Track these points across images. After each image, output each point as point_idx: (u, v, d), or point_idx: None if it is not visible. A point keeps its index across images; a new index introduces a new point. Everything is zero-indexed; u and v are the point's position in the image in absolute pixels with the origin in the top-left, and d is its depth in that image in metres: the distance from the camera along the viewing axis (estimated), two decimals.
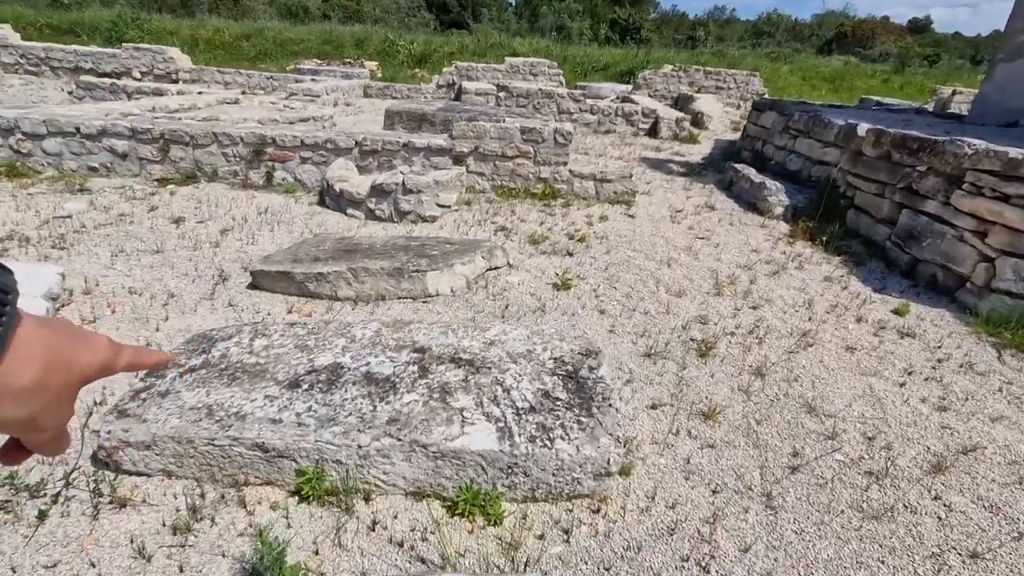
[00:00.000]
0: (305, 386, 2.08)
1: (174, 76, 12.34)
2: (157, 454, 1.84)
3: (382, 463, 1.83)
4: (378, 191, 4.43)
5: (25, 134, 5.07)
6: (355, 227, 4.34)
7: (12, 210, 4.19)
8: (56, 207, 4.28)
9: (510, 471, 1.83)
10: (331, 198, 4.68)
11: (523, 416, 1.97)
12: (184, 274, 3.38)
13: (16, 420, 0.39)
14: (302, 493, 1.82)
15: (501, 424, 1.93)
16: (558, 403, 2.06)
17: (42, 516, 1.72)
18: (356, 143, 5.14)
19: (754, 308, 3.40)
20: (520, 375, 2.21)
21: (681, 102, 13.26)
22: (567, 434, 1.91)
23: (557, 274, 3.62)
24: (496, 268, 3.68)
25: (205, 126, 5.22)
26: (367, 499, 1.84)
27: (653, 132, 10.06)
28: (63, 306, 2.91)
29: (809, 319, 3.32)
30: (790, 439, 2.28)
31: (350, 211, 4.56)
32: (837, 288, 3.78)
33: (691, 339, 3.00)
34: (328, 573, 1.62)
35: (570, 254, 4.05)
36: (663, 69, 14.89)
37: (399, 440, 1.82)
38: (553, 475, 1.84)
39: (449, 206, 4.66)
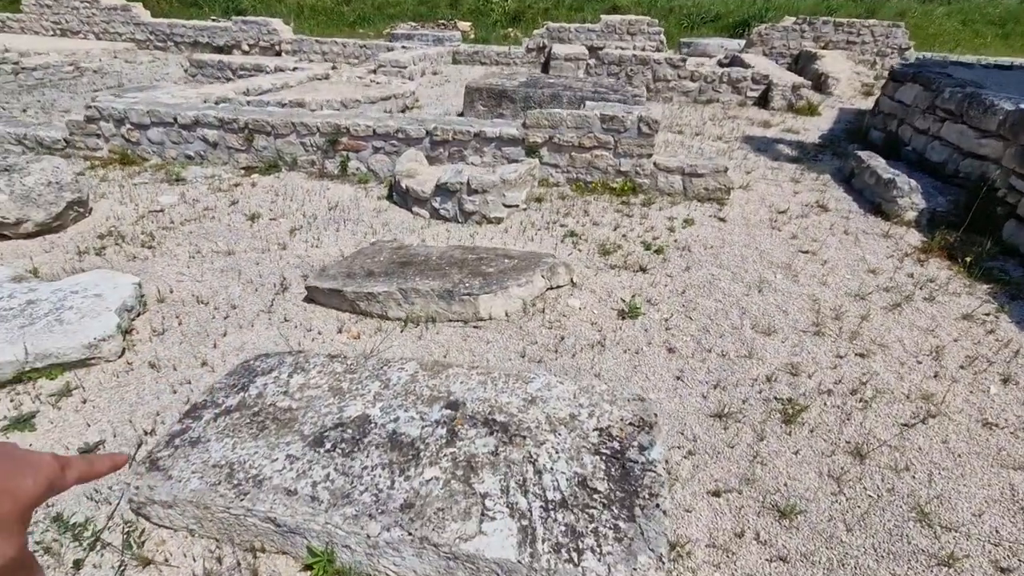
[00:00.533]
0: (328, 445, 1.98)
1: (277, 48, 12.86)
2: (179, 514, 1.83)
3: (392, 555, 1.69)
4: (443, 190, 4.24)
5: (133, 124, 5.43)
6: (419, 228, 4.21)
7: (116, 203, 4.52)
8: (152, 200, 4.56)
9: None
10: (398, 194, 4.57)
11: (552, 513, 1.73)
12: (249, 281, 3.44)
13: None
14: (313, 572, 1.74)
15: (525, 522, 1.70)
16: (596, 497, 1.79)
17: (78, 565, 1.78)
18: (427, 132, 4.96)
19: (862, 356, 2.84)
20: (557, 451, 1.95)
21: (801, 61, 11.63)
22: (599, 546, 1.64)
23: (624, 299, 3.25)
24: (558, 287, 3.38)
25: (285, 115, 5.29)
26: None
27: (764, 101, 8.93)
28: (138, 316, 3.06)
29: (935, 376, 2.71)
30: (889, 560, 1.85)
31: (415, 209, 4.43)
32: (979, 331, 3.07)
33: (775, 397, 2.55)
34: None
35: (643, 270, 3.63)
36: (783, 22, 13.10)
37: (410, 535, 1.66)
38: None
39: (517, 205, 4.38)
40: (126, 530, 1.87)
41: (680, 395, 2.58)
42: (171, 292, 3.29)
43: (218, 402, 2.22)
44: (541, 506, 1.75)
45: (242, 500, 1.77)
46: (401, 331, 3.01)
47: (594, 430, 2.06)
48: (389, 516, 1.72)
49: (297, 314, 3.13)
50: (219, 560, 1.80)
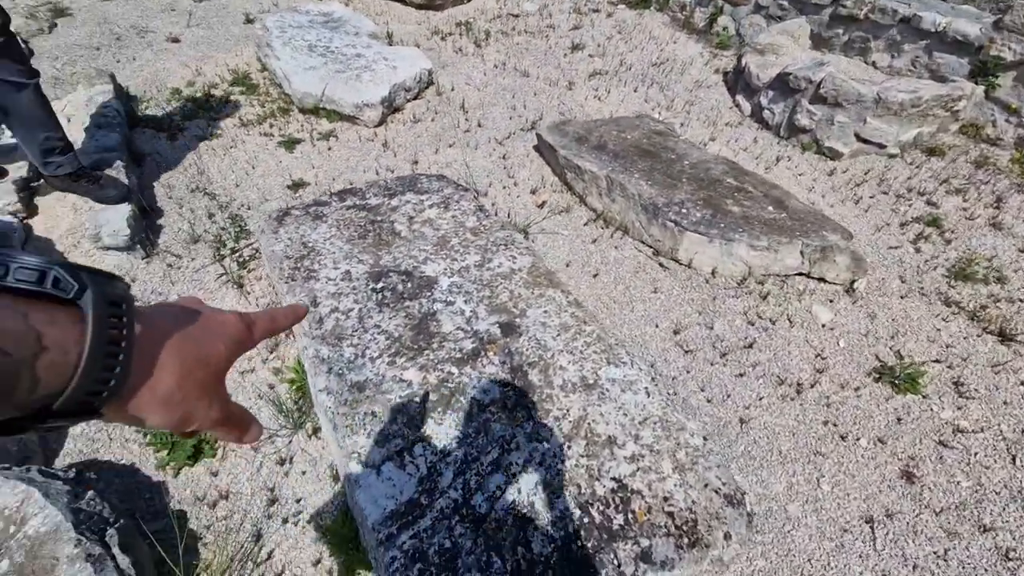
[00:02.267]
0: (380, 285, 1.86)
1: None
2: (267, 264, 2.06)
3: None
4: (781, 83, 3.02)
5: None
6: (719, 122, 3.20)
7: None
8: (517, 4, 4.65)
9: None
10: (736, 72, 3.50)
11: None
12: (513, 107, 3.30)
13: (170, 425, 0.38)
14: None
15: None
16: None
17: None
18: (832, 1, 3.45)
19: None
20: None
21: None
22: None
23: (898, 361, 1.89)
24: (820, 279, 2.19)
25: None
26: None
27: None
28: (415, 98, 3.32)
29: None
30: None
31: (739, 98, 3.35)
32: None
33: None
34: None
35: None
36: None
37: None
38: None
39: (882, 145, 2.83)
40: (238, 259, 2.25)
41: None
42: (451, 89, 3.43)
43: (364, 195, 2.29)
44: None
45: (290, 283, 1.86)
46: (584, 224, 2.49)
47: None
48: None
49: (514, 158, 2.90)
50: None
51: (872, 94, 2.71)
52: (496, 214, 2.53)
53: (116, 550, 1.17)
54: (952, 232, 2.44)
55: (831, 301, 2.13)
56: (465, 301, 1.81)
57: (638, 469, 1.38)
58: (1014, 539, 1.48)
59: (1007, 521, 1.52)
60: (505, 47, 3.98)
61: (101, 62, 3.53)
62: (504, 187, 2.70)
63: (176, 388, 0.37)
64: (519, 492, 1.33)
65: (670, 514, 1.30)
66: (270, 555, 1.39)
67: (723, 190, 2.39)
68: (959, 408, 1.79)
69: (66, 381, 0.30)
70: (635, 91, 3.50)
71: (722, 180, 2.45)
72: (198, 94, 3.26)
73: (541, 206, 2.61)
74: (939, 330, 2.03)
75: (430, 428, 1.45)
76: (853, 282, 2.19)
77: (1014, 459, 1.65)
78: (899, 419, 1.76)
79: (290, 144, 2.90)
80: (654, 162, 2.54)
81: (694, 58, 3.87)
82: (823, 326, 2.04)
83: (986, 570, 1.43)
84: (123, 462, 1.55)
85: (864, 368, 1.91)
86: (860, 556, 1.45)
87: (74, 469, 1.35)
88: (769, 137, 3.09)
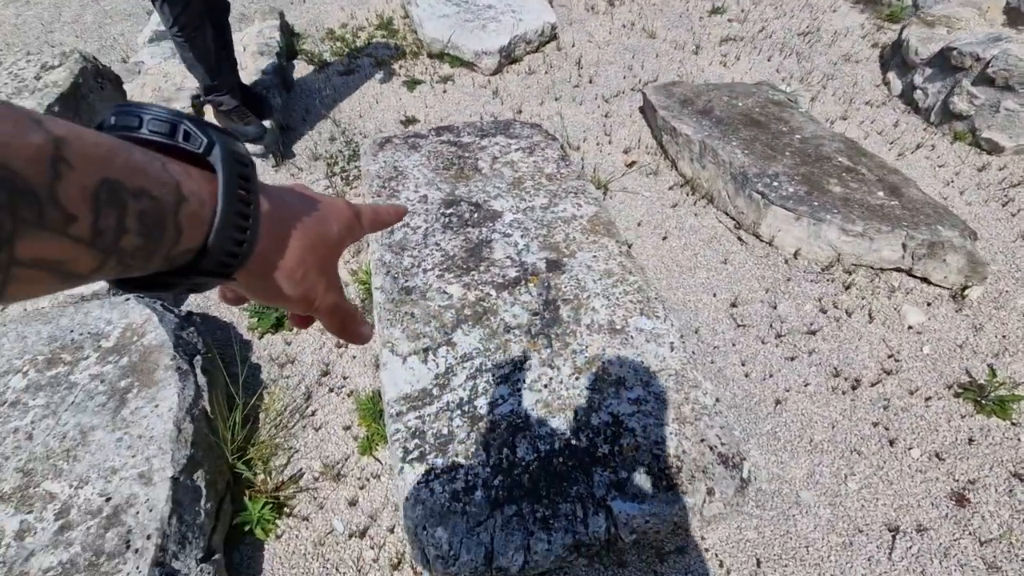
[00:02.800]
0: (450, 211, 2.02)
1: None
2: (364, 182, 2.32)
3: None
4: (942, 60, 2.60)
5: None
6: (858, 99, 2.85)
7: None
8: None
9: None
10: (894, 47, 3.06)
11: None
12: (629, 67, 3.24)
13: (293, 299, 0.38)
14: None
15: None
16: None
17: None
18: None
19: None
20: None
21: None
22: None
23: (991, 380, 1.64)
24: (924, 279, 1.94)
25: None
26: None
27: None
28: (536, 50, 3.40)
29: None
30: None
31: (890, 75, 2.94)
32: None
33: None
34: None
35: None
36: None
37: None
38: None
39: None
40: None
41: None
42: (572, 46, 3.45)
43: (459, 133, 2.46)
44: None
45: (376, 198, 2.10)
46: (669, 188, 2.44)
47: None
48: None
49: (617, 116, 2.88)
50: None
51: None
52: (583, 167, 2.57)
53: (199, 371, 1.49)
54: None
55: (928, 304, 1.89)
56: (521, 236, 1.92)
57: (638, 411, 1.41)
58: None
59: None
60: (639, 6, 3.87)
61: (278, 2, 4.07)
62: (598, 143, 2.71)
63: (300, 262, 0.37)
64: (519, 404, 1.43)
65: (656, 456, 1.33)
66: (314, 413, 1.66)
67: (830, 168, 2.18)
68: None
69: (204, 235, 0.31)
70: (768, 60, 3.24)
71: (832, 158, 2.24)
72: (347, 35, 3.65)
73: (630, 166, 2.58)
74: None
75: (457, 337, 1.60)
76: (965, 288, 1.91)
77: None
78: (971, 440, 1.55)
79: (412, 84, 3.16)
80: (759, 132, 2.38)
81: (851, 29, 3.45)
82: (909, 328, 1.83)
83: None
84: (225, 319, 1.92)
85: (945, 380, 1.69)
86: (869, 559, 1.35)
87: (186, 311, 1.72)
88: (915, 122, 2.70)
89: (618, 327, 1.62)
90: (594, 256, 1.84)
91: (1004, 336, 1.79)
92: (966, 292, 1.90)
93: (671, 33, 3.54)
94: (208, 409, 1.45)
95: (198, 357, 1.53)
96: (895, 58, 2.96)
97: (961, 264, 1.88)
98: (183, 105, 2.56)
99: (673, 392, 1.46)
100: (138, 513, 1.20)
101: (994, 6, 3.00)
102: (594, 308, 1.67)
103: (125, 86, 2.72)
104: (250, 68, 2.93)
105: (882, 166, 2.21)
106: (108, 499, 1.22)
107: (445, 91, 3.12)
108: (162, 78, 2.83)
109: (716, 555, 1.36)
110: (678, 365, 1.52)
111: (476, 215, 2.01)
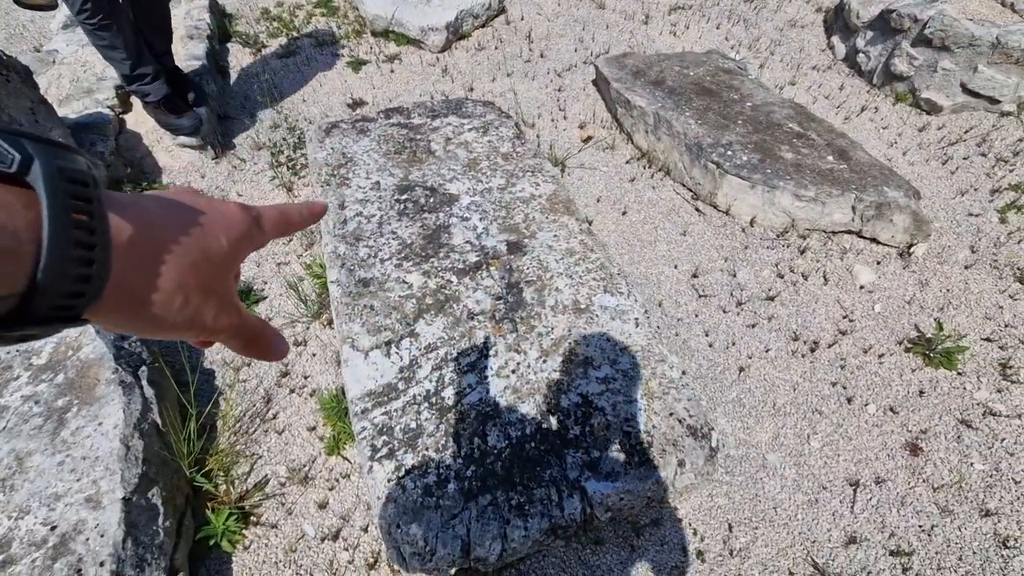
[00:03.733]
0: (404, 197, 1.95)
1: None
2: (312, 170, 2.22)
3: None
4: (882, 22, 2.66)
5: None
6: (804, 65, 2.89)
7: None
8: None
9: None
10: (837, 10, 3.11)
11: None
12: (580, 40, 3.19)
13: (175, 331, 0.33)
14: None
15: None
16: None
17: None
18: None
19: None
20: None
21: None
22: None
23: (937, 324, 1.72)
24: (872, 239, 2.01)
25: None
26: None
27: None
28: (486, 23, 3.30)
29: None
30: None
31: (834, 39, 3.00)
32: None
33: None
34: None
35: None
36: None
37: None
38: None
39: (997, 100, 2.44)
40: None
41: None
42: (521, 19, 3.37)
43: (409, 115, 2.37)
44: None
45: (325, 187, 2.01)
46: (626, 161, 2.42)
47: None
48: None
49: (570, 90, 2.83)
50: None
51: (989, 37, 2.33)
52: (539, 144, 2.52)
53: (145, 382, 1.40)
54: None
55: (878, 263, 1.95)
56: (480, 219, 1.87)
57: (607, 390, 1.41)
58: (1019, 529, 1.36)
59: (1017, 510, 1.39)
60: None
61: None
62: (552, 119, 2.67)
63: (178, 286, 0.32)
64: (487, 392, 1.41)
65: (627, 433, 1.33)
66: (275, 416, 1.60)
67: (781, 135, 2.21)
68: (999, 391, 1.62)
69: (28, 276, 0.25)
70: (717, 28, 3.24)
71: (783, 125, 2.26)
72: (284, 14, 3.45)
73: (586, 141, 2.55)
74: (1002, 308, 1.80)
75: (420, 327, 1.55)
76: (911, 246, 1.98)
77: None
78: (922, 392, 1.62)
79: (357, 65, 3.02)
80: (711, 101, 2.39)
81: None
82: (861, 288, 1.89)
83: (975, 552, 1.33)
84: None
85: (897, 336, 1.76)
86: (833, 514, 1.40)
87: None
88: (859, 84, 2.76)
89: (583, 306, 1.60)
90: (555, 235, 1.81)
91: (948, 290, 1.87)
92: (912, 250, 1.97)
93: (620, 3, 3.50)
94: (159, 422, 1.37)
95: (143, 368, 1.44)
96: (838, 22, 3.01)
97: (907, 223, 1.95)
98: (106, 97, 2.37)
99: (640, 368, 1.46)
100: (88, 540, 1.13)
101: None
102: (558, 288, 1.65)
103: (38, 78, 2.49)
104: (180, 53, 2.73)
105: (831, 130, 2.26)
106: (53, 528, 1.14)
107: (392, 71, 3.00)
108: (80, 67, 2.61)
109: (690, 524, 1.39)
110: (644, 340, 1.52)
111: (432, 200, 1.95)
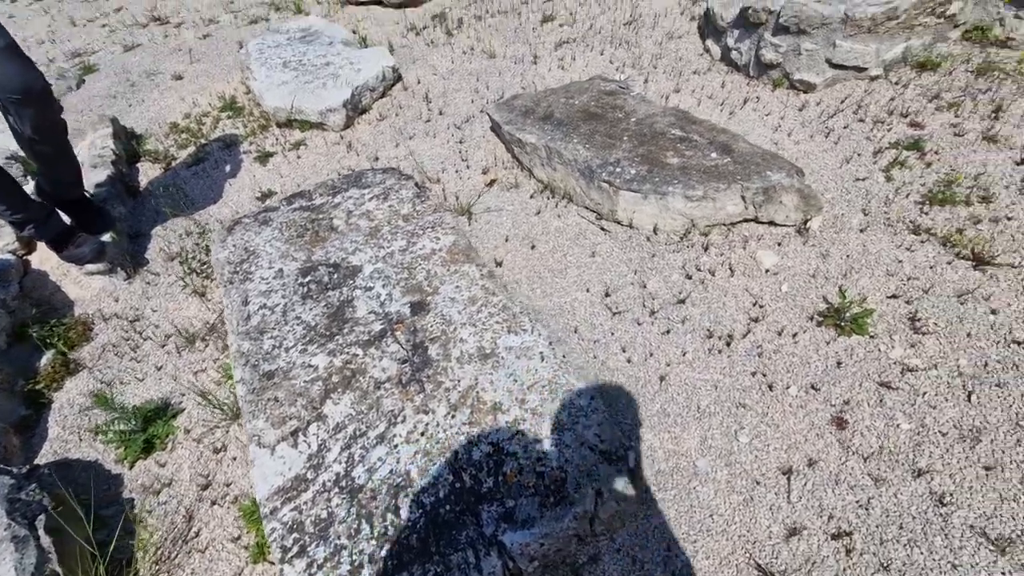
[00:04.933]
0: (308, 279, 1.95)
1: None
2: (216, 266, 2.22)
3: None
4: (743, 21, 2.81)
5: None
6: (688, 73, 3.02)
7: None
8: None
9: None
10: (704, 17, 3.29)
11: None
12: (475, 91, 3.30)
13: None
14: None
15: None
16: None
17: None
18: None
19: None
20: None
21: None
22: None
23: (847, 299, 1.74)
24: (770, 223, 2.05)
25: None
26: None
27: None
28: (381, 96, 3.41)
29: None
30: None
31: (708, 43, 3.15)
32: None
33: None
34: None
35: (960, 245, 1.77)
36: None
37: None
38: None
39: (863, 67, 2.57)
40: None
41: None
42: (418, 83, 3.49)
43: (311, 196, 2.40)
44: None
45: (228, 286, 2.00)
46: (530, 196, 2.47)
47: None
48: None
49: (471, 140, 2.91)
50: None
51: (838, 14, 2.47)
52: (444, 198, 2.57)
53: (41, 531, 1.34)
54: (936, 153, 2.18)
55: (779, 244, 1.99)
56: (383, 285, 1.87)
57: (517, 432, 1.38)
58: (953, 482, 1.34)
59: (948, 464, 1.37)
60: (476, 31, 3.97)
61: (116, 109, 3.89)
62: (456, 171, 2.72)
63: None
64: (397, 462, 1.37)
65: (540, 474, 1.30)
66: (198, 533, 1.53)
67: (665, 143, 2.28)
68: (912, 346, 1.62)
69: None
70: (601, 54, 3.39)
71: (666, 132, 2.34)
72: (192, 124, 3.53)
73: (490, 184, 2.61)
74: (901, 262, 1.84)
75: (328, 408, 1.52)
76: (806, 221, 2.02)
77: (969, 396, 1.48)
78: (839, 363, 1.62)
79: (264, 158, 3.08)
80: (598, 124, 2.47)
81: (669, 8, 3.68)
82: (766, 272, 1.91)
83: (914, 517, 1.30)
84: (89, 459, 1.75)
85: (807, 312, 1.77)
86: (770, 509, 1.37)
87: (27, 467, 1.55)
88: (738, 79, 2.89)
89: (488, 351, 1.59)
90: (456, 287, 1.82)
91: (848, 256, 1.90)
92: (808, 225, 2.02)
93: (509, 49, 3.65)
94: (59, 572, 1.30)
95: (42, 516, 1.38)
96: (708, 26, 3.17)
97: (796, 201, 2.00)
98: (6, 243, 2.37)
99: (549, 402, 1.44)
100: None
101: None
102: (462, 339, 1.64)
103: None
104: (86, 182, 2.76)
105: (712, 128, 2.34)
106: None
107: (299, 156, 3.06)
108: None
109: (628, 553, 1.34)
110: (550, 374, 1.50)
111: (336, 276, 1.95)
